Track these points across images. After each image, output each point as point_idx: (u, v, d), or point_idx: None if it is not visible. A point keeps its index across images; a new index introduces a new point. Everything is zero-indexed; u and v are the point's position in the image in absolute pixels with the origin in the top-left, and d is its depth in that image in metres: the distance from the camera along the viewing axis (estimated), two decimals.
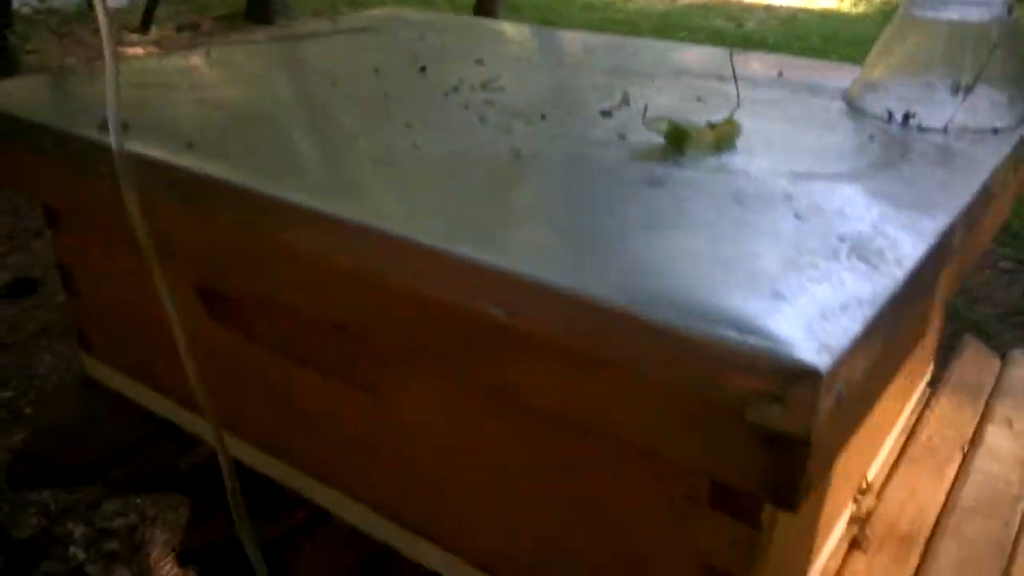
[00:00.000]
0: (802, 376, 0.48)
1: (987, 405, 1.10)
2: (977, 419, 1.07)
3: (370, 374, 0.80)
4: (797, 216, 0.67)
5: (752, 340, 0.50)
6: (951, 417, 1.07)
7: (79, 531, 1.97)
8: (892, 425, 0.98)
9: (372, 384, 0.80)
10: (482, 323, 0.60)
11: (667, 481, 0.63)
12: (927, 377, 1.12)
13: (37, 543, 1.98)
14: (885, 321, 0.56)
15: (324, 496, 0.91)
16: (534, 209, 0.69)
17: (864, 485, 0.90)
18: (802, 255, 0.60)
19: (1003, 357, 1.21)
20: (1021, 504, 0.94)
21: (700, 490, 0.62)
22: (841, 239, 0.63)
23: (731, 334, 0.50)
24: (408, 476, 0.82)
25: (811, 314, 0.53)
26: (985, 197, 0.77)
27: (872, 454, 0.92)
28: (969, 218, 0.73)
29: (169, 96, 0.95)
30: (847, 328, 0.52)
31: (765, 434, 0.50)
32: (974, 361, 1.19)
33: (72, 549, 1.96)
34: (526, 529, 0.75)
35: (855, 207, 0.69)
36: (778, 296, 0.55)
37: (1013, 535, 0.90)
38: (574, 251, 0.61)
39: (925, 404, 1.10)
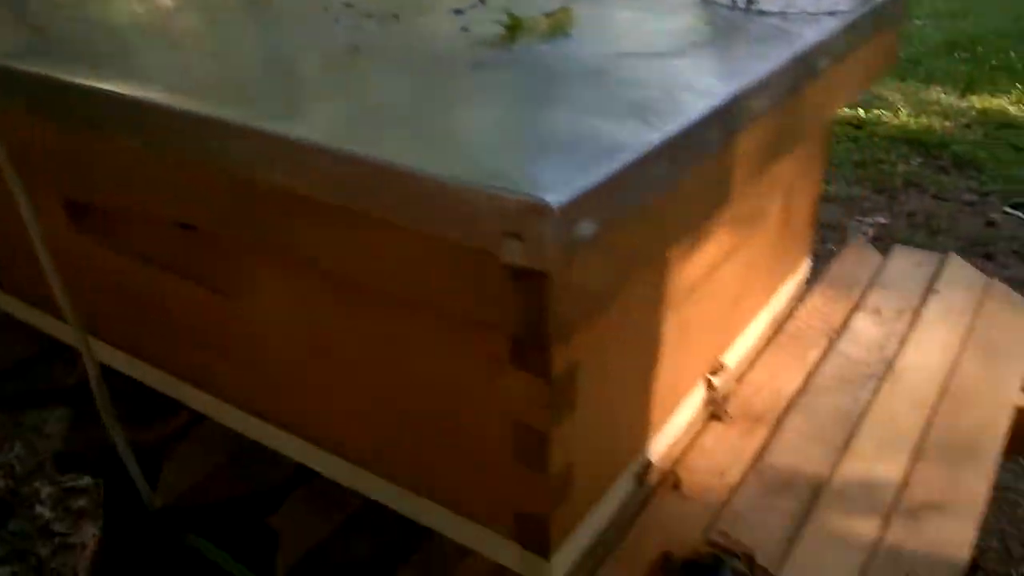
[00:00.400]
0: (535, 211, 0.51)
1: (861, 296, 1.13)
2: (848, 310, 1.10)
3: (219, 273, 0.82)
4: (596, 88, 0.69)
5: (501, 184, 0.52)
6: (822, 309, 1.11)
7: (46, 490, 2.01)
8: (752, 313, 1.01)
9: (223, 284, 0.83)
10: (277, 194, 0.63)
11: (471, 344, 0.66)
12: (802, 273, 1.15)
13: (4, 503, 2.02)
14: (646, 171, 0.59)
15: (198, 400, 0.94)
16: (351, 90, 0.71)
17: (718, 366, 0.93)
18: (585, 117, 0.63)
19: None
20: (872, 382, 0.97)
21: (501, 350, 0.64)
22: (631, 104, 0.66)
23: (484, 182, 0.53)
24: (265, 372, 0.85)
25: (566, 164, 0.56)
26: (805, 69, 0.79)
27: (724, 339, 0.95)
28: (779, 86, 0.75)
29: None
30: (593, 172, 0.54)
31: (512, 273, 0.53)
32: (855, 257, 1.22)
33: (39, 508, 2.00)
34: (367, 410, 0.78)
35: (659, 78, 0.71)
36: (544, 151, 0.58)
37: (860, 409, 0.93)
38: (373, 123, 0.64)
39: (800, 299, 1.13)
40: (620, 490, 0.81)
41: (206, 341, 0.89)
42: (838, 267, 1.19)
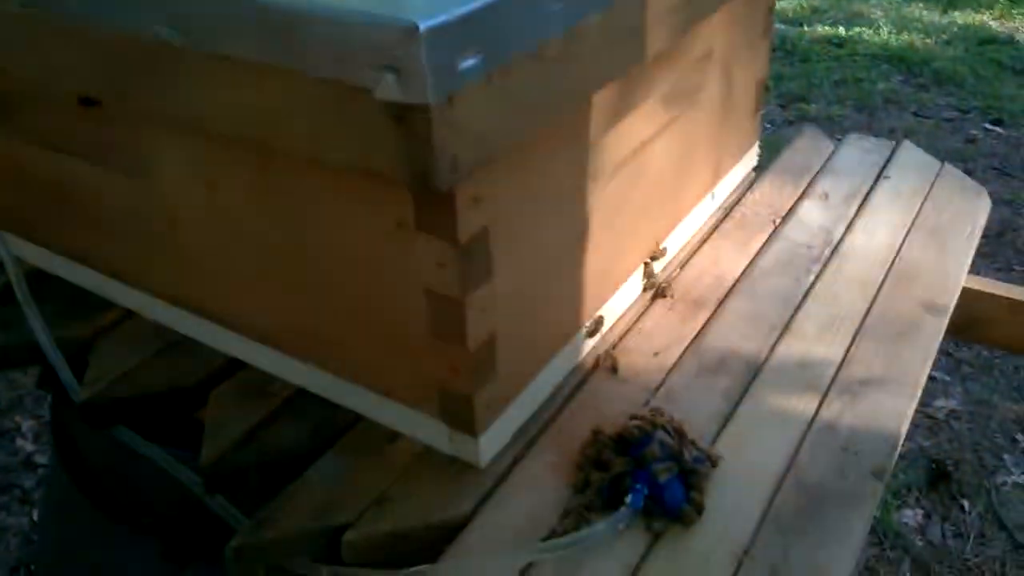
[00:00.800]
0: (406, 37, 0.47)
1: (810, 183, 1.10)
2: (797, 196, 1.08)
3: (122, 152, 0.78)
4: None
5: (374, 17, 0.48)
6: (770, 195, 1.08)
7: (26, 424, 1.99)
8: (695, 199, 0.98)
9: (127, 163, 0.78)
10: (155, 50, 0.59)
11: (376, 208, 0.63)
12: (750, 161, 1.12)
13: None
14: (534, 6, 0.54)
15: (123, 295, 0.91)
16: None
17: (657, 250, 0.91)
18: None
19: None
20: (816, 266, 0.95)
21: (406, 212, 0.61)
22: None
23: (356, 12, 0.49)
24: (185, 259, 0.81)
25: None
26: None
27: (664, 224, 0.92)
28: None
29: None
30: (465, 5, 0.50)
31: (393, 110, 0.49)
32: (807, 145, 1.19)
33: (20, 441, 1.98)
34: (284, 292, 0.75)
35: None
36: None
37: (803, 291, 0.91)
38: None
39: (748, 187, 1.10)
40: (553, 371, 0.79)
41: (124, 231, 0.85)
42: (789, 155, 1.16)
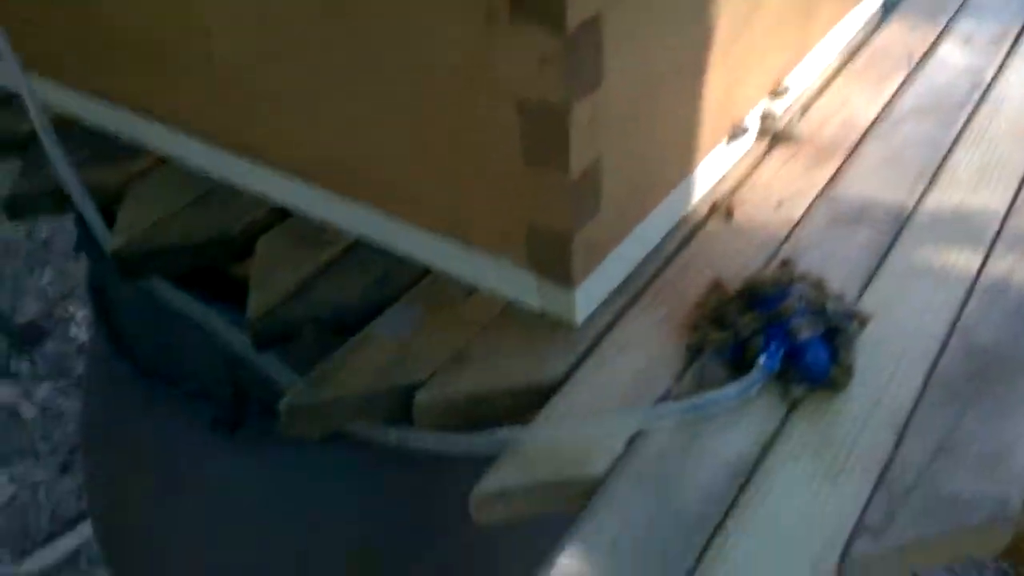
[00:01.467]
0: None
1: (948, 23, 0.94)
2: (934, 37, 0.91)
3: None
4: None
5: None
6: (903, 35, 0.92)
7: (80, 313, 1.97)
8: (820, 32, 0.83)
9: None
10: None
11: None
12: None
13: (38, 327, 1.99)
14: None
15: (156, 136, 0.80)
16: None
17: (780, 87, 0.76)
18: None
19: None
20: (965, 111, 0.80)
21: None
22: None
23: None
24: (223, 82, 0.69)
25: None
26: None
27: (786, 58, 0.77)
28: None
29: None
30: None
31: None
32: None
33: (74, 329, 1.97)
34: (338, 117, 0.63)
35: None
36: None
37: (952, 137, 0.76)
38: None
39: (875, 26, 0.94)
40: (662, 216, 0.66)
41: (149, 53, 0.73)
42: None
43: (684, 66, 0.62)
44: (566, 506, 0.52)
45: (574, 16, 0.47)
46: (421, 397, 0.56)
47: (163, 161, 0.81)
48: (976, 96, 0.82)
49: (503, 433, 0.53)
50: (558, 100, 0.50)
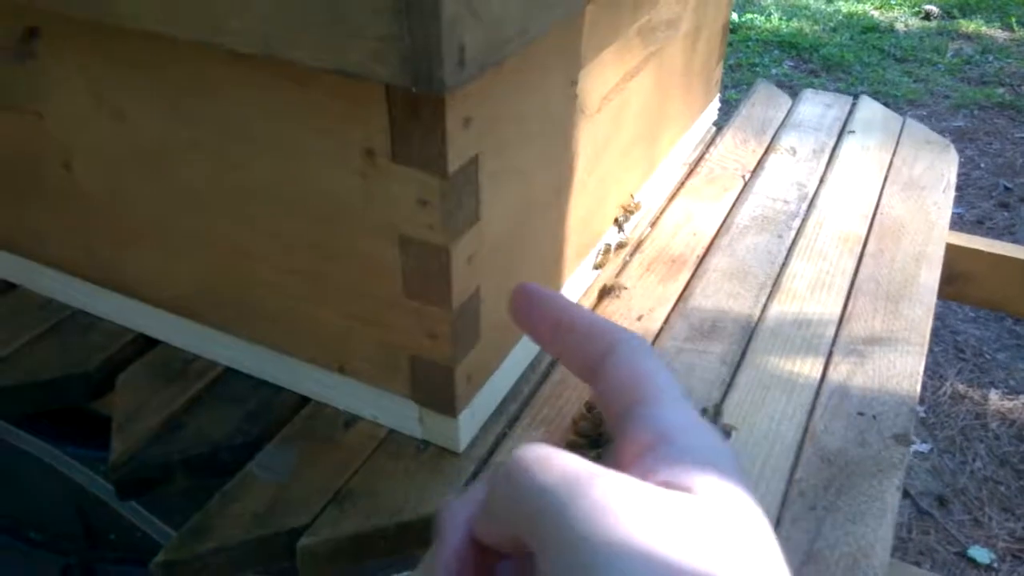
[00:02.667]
0: None
1: (773, 138, 1.04)
2: (762, 151, 1.01)
3: (4, 80, 0.63)
4: None
5: None
6: (734, 150, 1.01)
7: None
8: (665, 149, 0.90)
9: (11, 94, 0.63)
10: None
11: (339, 131, 0.51)
12: (711, 114, 1.05)
13: None
14: None
15: (9, 267, 0.75)
16: None
17: (631, 204, 0.82)
18: None
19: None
20: (796, 220, 0.88)
21: (378, 140, 0.49)
22: None
23: None
24: (83, 214, 0.67)
25: None
26: None
27: (637, 171, 0.83)
28: None
29: None
30: None
31: None
32: (764, 100, 1.12)
33: None
34: (211, 250, 0.62)
35: None
36: None
37: (786, 247, 0.84)
38: None
39: (710, 142, 1.03)
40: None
41: (7, 183, 0.69)
42: (747, 110, 1.09)
43: (552, 195, 0.65)
44: None
45: (454, 160, 0.49)
46: (305, 542, 0.54)
47: (9, 286, 0.76)
48: (804, 207, 0.90)
49: None
50: (439, 240, 0.52)
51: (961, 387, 2.01)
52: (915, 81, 3.23)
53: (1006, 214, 2.51)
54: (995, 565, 1.52)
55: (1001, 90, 3.11)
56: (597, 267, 0.78)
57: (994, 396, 2.02)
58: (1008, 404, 1.99)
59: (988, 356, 2.14)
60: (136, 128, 0.59)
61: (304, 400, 0.65)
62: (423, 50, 0.38)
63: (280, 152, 0.54)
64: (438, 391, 0.59)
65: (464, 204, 0.52)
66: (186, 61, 0.53)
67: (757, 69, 3.37)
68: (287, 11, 0.41)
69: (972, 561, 1.53)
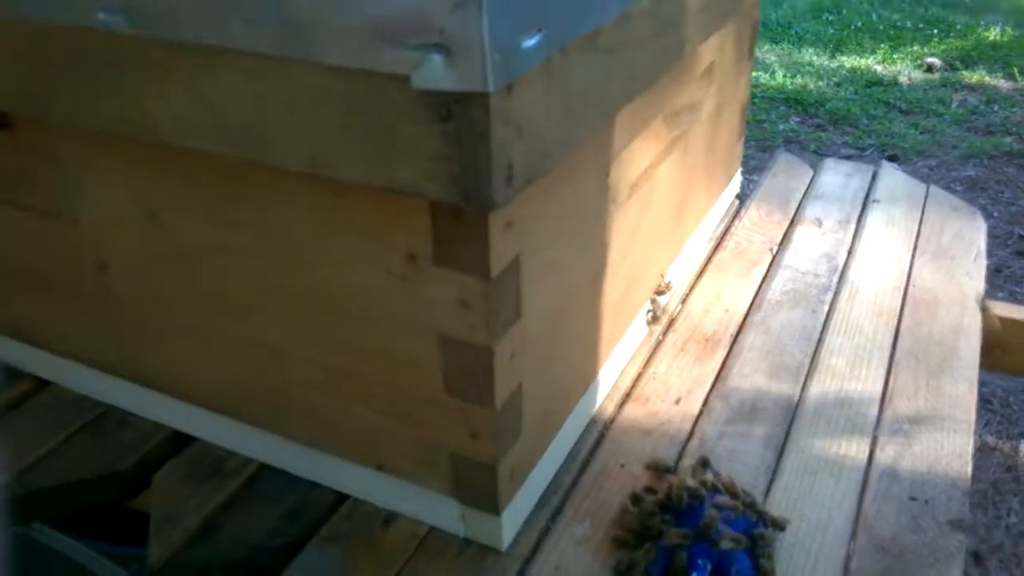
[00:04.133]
0: (461, 3, 0.36)
1: (797, 209, 1.04)
2: (787, 223, 1.01)
3: (45, 187, 0.64)
4: None
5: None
6: (759, 223, 1.00)
7: None
8: (692, 226, 0.90)
9: (48, 200, 0.64)
10: (102, 40, 0.46)
11: (381, 237, 0.51)
12: (734, 187, 1.05)
13: None
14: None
15: (39, 361, 0.75)
16: None
17: (662, 285, 0.81)
18: None
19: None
20: (828, 294, 0.88)
21: (420, 245, 0.50)
22: None
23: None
24: (118, 314, 0.67)
25: None
26: None
27: (667, 254, 0.83)
28: None
29: None
30: None
31: (435, 104, 0.38)
32: (785, 170, 1.13)
33: None
34: (251, 351, 0.62)
35: None
36: None
37: (821, 322, 0.83)
38: None
39: (734, 215, 1.03)
40: (572, 425, 0.68)
41: (37, 281, 0.70)
42: (769, 181, 1.10)
43: (588, 284, 0.65)
44: None
45: (497, 263, 0.49)
46: None
47: (43, 383, 0.76)
48: (835, 280, 0.90)
49: None
50: (482, 340, 0.51)
51: (990, 439, 1.97)
52: (922, 133, 3.24)
53: (1023, 262, 2.50)
54: None
55: (1008, 139, 3.12)
56: (631, 348, 0.78)
57: None
58: None
59: (1016, 407, 2.10)
60: (173, 232, 0.59)
61: (342, 497, 0.64)
62: (473, 170, 0.38)
63: (320, 256, 0.54)
64: (481, 489, 0.57)
65: (506, 304, 0.52)
66: (226, 168, 0.54)
67: (764, 125, 3.40)
68: (336, 132, 0.41)
69: None
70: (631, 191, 0.69)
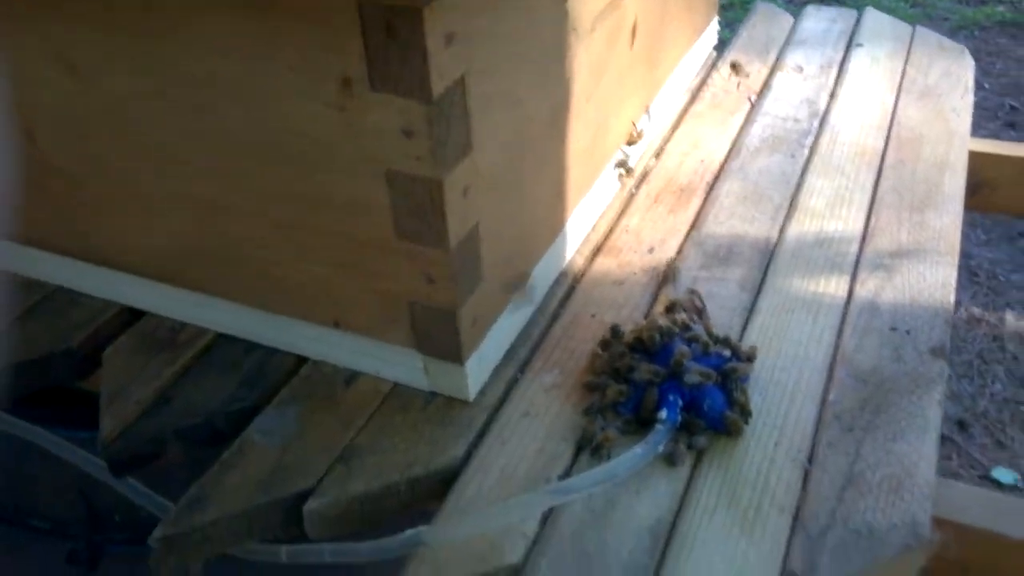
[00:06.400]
0: None
1: (778, 57, 0.98)
2: (767, 71, 0.96)
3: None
4: None
5: None
6: (738, 72, 0.95)
7: None
8: (665, 73, 0.85)
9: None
10: None
11: (312, 63, 0.46)
12: (710, 37, 0.99)
13: None
14: None
15: None
16: None
17: (634, 134, 0.77)
18: None
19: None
20: (808, 138, 0.83)
21: (354, 67, 0.45)
22: None
23: None
24: (52, 183, 0.63)
25: None
26: None
27: (637, 99, 0.78)
28: None
29: None
30: None
31: None
32: (765, 19, 1.07)
33: None
34: (191, 207, 0.58)
35: None
36: None
37: (801, 166, 0.80)
38: None
39: (711, 66, 0.97)
40: (541, 275, 0.65)
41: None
42: (748, 32, 1.04)
43: (549, 123, 0.61)
44: None
45: (439, 82, 0.45)
46: (311, 506, 0.51)
47: None
48: (816, 125, 0.86)
49: (408, 535, 0.49)
50: (429, 172, 0.48)
51: (976, 311, 1.96)
52: (912, 6, 3.13)
53: (1013, 134, 2.45)
54: (1020, 485, 1.49)
55: (1001, 8, 3.02)
56: (603, 200, 0.74)
57: (1010, 317, 1.97)
58: None
59: (1002, 278, 2.09)
60: (93, 84, 0.55)
61: (301, 360, 0.61)
62: None
63: (250, 94, 0.50)
64: (442, 338, 0.55)
65: (454, 131, 0.48)
66: (139, 7, 0.49)
67: (749, 5, 3.29)
68: None
69: (996, 483, 1.50)
70: (594, 23, 0.64)
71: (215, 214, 0.57)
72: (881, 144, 0.82)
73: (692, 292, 0.63)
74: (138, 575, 0.69)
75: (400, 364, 0.58)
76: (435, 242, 0.50)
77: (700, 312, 0.61)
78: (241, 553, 0.53)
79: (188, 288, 0.63)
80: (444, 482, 0.53)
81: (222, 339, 0.64)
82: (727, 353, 0.58)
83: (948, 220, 0.71)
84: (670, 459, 0.53)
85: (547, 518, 0.50)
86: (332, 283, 0.56)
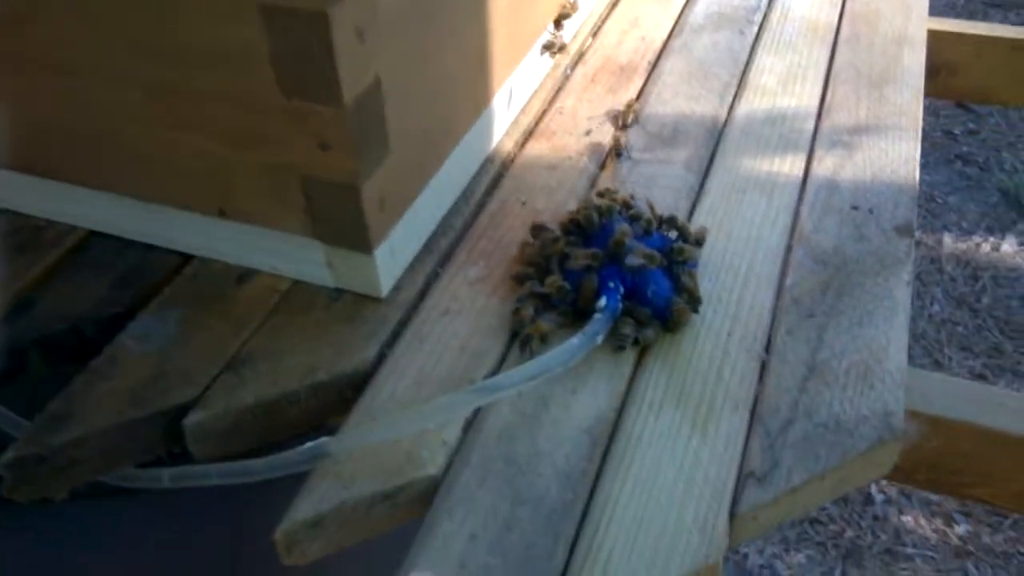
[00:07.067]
0: None
1: None
2: None
3: None
4: None
5: None
6: None
7: None
8: None
9: None
10: None
11: None
12: None
13: None
14: None
15: None
16: None
17: (567, 5, 0.69)
18: None
19: None
20: (758, 14, 0.76)
21: None
22: None
23: None
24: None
25: None
26: None
27: None
28: None
29: None
30: None
31: None
32: None
33: None
34: (34, 70, 0.48)
35: None
36: None
37: (750, 43, 0.72)
38: None
39: None
40: (463, 158, 0.57)
41: None
42: None
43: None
44: (402, 520, 0.42)
45: None
46: (193, 419, 0.43)
47: None
48: (764, 1, 0.78)
49: (309, 447, 0.41)
50: (310, 2, 0.39)
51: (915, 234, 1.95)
52: None
53: (995, 12, 2.42)
54: None
55: None
56: (534, 79, 0.66)
57: (948, 239, 1.97)
58: (962, 246, 1.95)
59: (940, 200, 2.08)
60: None
61: (187, 259, 0.53)
62: None
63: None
64: (344, 221, 0.47)
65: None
66: None
67: None
68: None
69: None
70: None
71: (73, 78, 0.47)
72: (835, 19, 0.75)
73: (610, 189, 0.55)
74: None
75: (299, 258, 0.49)
76: (326, 97, 0.41)
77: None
78: (116, 480, 0.46)
79: (50, 178, 0.53)
80: (353, 388, 0.46)
81: (95, 237, 0.55)
82: (673, 235, 0.51)
83: (909, 95, 0.65)
84: (612, 350, 0.46)
85: (471, 423, 0.43)
86: (213, 160, 0.47)
